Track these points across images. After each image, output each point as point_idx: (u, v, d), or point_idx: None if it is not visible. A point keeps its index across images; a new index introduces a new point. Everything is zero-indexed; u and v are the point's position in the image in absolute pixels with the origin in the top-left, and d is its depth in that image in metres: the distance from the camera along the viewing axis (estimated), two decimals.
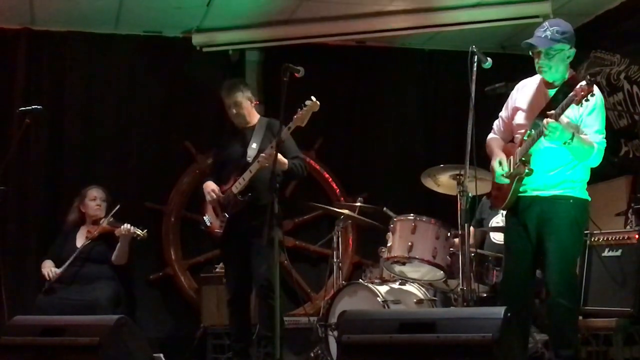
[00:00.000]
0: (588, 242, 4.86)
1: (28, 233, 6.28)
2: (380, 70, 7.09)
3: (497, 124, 4.38)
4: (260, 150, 4.80)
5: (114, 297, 5.31)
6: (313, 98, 4.60)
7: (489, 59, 4.20)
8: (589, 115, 3.99)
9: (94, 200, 5.60)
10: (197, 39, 6.54)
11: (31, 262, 6.11)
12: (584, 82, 3.70)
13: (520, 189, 4.09)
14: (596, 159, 4.03)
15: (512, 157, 4.14)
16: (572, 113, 3.94)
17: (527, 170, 4.01)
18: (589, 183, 4.14)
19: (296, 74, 4.23)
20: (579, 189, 4.08)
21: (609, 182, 6.01)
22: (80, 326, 3.70)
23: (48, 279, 5.37)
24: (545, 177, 4.05)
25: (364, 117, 7.10)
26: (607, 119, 6.11)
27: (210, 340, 6.02)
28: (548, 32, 4.00)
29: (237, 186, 4.84)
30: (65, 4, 6.11)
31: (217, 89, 6.78)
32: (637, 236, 4.64)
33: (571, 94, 3.77)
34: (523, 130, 4.11)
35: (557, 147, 3.98)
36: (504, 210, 4.32)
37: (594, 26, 6.34)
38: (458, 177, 4.76)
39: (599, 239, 4.83)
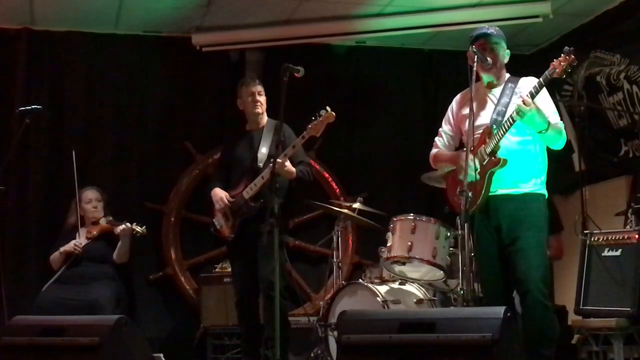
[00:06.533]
0: (588, 241, 4.86)
1: (28, 233, 6.28)
2: (380, 70, 7.09)
3: (439, 140, 4.42)
4: (270, 156, 4.77)
5: (114, 297, 5.30)
6: (328, 108, 4.62)
7: (488, 59, 4.20)
8: (543, 101, 4.03)
9: (90, 202, 5.61)
10: (197, 39, 6.53)
11: (31, 262, 6.11)
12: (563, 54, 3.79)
13: (491, 188, 4.07)
14: (563, 141, 4.11)
15: (474, 156, 4.08)
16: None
17: (501, 162, 3.99)
18: (589, 183, 4.13)
19: (296, 74, 4.23)
20: (543, 186, 4.12)
21: (609, 182, 6.01)
22: (80, 326, 3.69)
23: (75, 250, 5.37)
24: (514, 175, 4.05)
25: (364, 117, 7.09)
26: (607, 119, 6.14)
27: (210, 340, 6.02)
28: (492, 29, 4.17)
29: (248, 191, 4.84)
30: (65, 4, 6.11)
31: (217, 89, 6.90)
32: (637, 236, 4.63)
33: (549, 68, 3.83)
34: (481, 130, 4.11)
35: (522, 143, 4.03)
36: (475, 212, 4.09)
37: (594, 26, 6.33)
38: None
39: (599, 239, 4.81)
